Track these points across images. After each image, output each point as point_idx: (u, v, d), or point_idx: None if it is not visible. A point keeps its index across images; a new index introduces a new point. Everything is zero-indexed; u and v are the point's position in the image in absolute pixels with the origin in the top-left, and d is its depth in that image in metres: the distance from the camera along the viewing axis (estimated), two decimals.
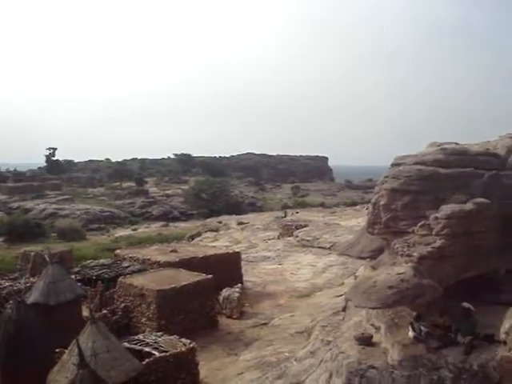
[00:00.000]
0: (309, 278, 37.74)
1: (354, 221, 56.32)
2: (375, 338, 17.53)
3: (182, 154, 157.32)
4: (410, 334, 16.41)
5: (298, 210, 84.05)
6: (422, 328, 16.40)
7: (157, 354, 20.36)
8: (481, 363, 14.50)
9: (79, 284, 26.99)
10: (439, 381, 14.42)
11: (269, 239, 55.54)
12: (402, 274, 16.12)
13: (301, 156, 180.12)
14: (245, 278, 36.33)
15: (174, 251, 35.75)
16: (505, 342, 13.69)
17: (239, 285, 32.87)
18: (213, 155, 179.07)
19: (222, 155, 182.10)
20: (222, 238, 58.66)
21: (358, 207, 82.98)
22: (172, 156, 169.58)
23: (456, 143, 22.11)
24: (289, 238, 53.78)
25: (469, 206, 17.45)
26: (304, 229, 55.19)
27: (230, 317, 30.07)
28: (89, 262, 36.58)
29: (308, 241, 50.01)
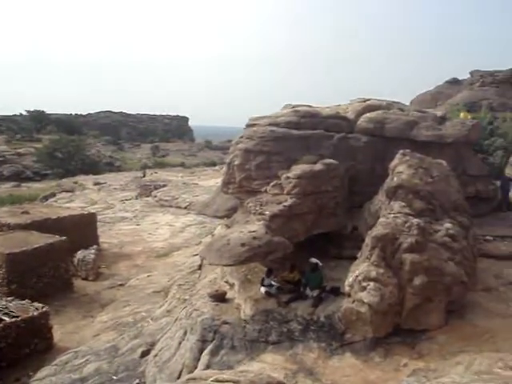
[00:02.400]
0: (167, 237, 37.78)
1: (213, 181, 56.67)
2: (229, 295, 17.96)
3: (36, 111, 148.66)
4: (262, 289, 16.99)
5: (157, 170, 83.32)
6: (273, 283, 17.07)
7: (7, 319, 19.71)
8: (327, 315, 15.38)
9: None
10: (289, 333, 15.13)
11: (126, 200, 54.59)
12: (254, 231, 16.51)
13: (161, 115, 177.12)
14: (101, 240, 35.67)
15: (26, 213, 34.16)
16: (349, 295, 14.45)
17: (95, 246, 32.25)
18: (68, 113, 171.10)
19: (79, 113, 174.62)
20: (77, 198, 56.78)
21: (217, 167, 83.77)
22: (24, 113, 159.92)
23: (309, 106, 22.78)
24: (147, 199, 53.24)
25: (318, 166, 18.13)
26: (162, 189, 54.88)
27: (85, 279, 29.50)
28: None
29: (166, 201, 49.85)
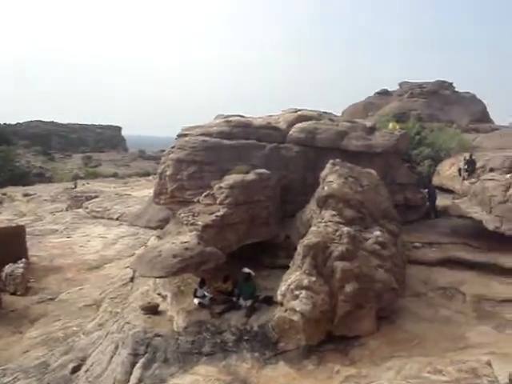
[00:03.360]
0: (99, 249, 36.98)
1: (147, 191, 55.93)
2: (162, 307, 17.73)
3: None
4: (195, 300, 16.89)
5: (88, 181, 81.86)
6: (206, 294, 16.99)
7: None
8: (261, 324, 15.41)
9: None
10: (222, 344, 15.08)
11: (57, 211, 53.31)
12: (187, 242, 16.43)
13: (93, 125, 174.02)
14: (30, 253, 34.60)
15: None
16: (281, 303, 14.50)
17: (24, 260, 31.28)
18: None
19: (7, 122, 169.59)
20: (5, 211, 55.03)
21: (150, 178, 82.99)
22: None
23: (241, 116, 22.86)
24: (78, 210, 52.11)
25: (250, 176, 18.22)
26: (94, 200, 53.87)
27: (14, 294, 28.55)
28: None
29: (98, 212, 48.90)
